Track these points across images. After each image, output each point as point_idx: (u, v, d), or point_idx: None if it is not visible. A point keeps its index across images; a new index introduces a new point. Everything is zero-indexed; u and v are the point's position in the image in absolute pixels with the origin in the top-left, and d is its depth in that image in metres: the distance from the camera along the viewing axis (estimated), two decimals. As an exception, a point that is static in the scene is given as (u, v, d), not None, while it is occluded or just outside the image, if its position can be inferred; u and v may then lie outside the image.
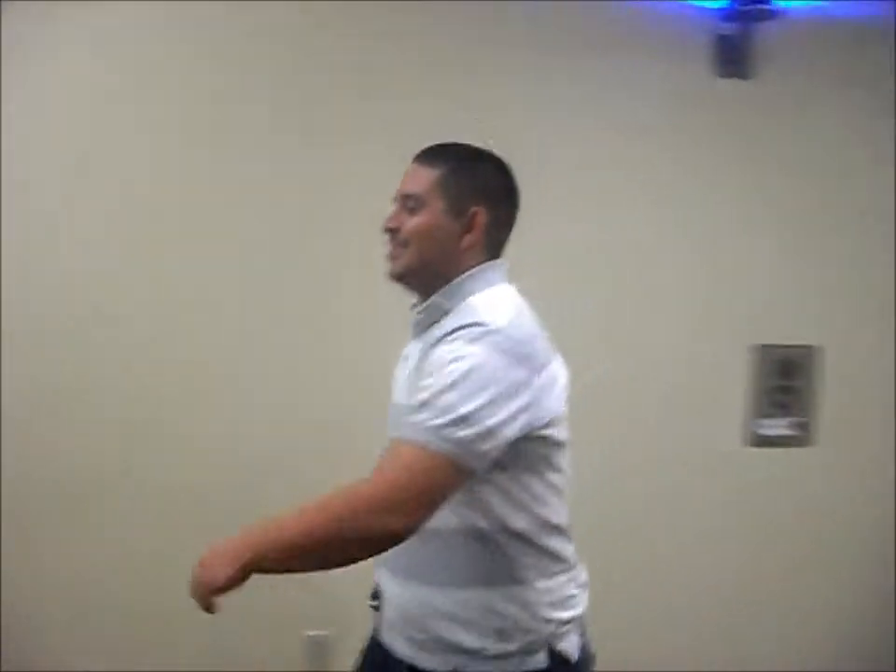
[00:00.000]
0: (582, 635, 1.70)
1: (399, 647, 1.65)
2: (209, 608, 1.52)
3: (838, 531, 3.14)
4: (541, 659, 1.60)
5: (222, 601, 1.51)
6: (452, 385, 1.47)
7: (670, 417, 3.09)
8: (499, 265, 1.69)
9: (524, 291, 1.67)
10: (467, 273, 1.64)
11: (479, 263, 1.65)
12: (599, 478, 2.88)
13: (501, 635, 1.58)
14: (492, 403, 1.47)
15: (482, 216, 1.64)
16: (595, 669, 1.76)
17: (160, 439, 2.86)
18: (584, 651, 1.69)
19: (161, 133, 2.84)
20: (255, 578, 1.47)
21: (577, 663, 1.65)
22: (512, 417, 1.49)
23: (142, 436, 2.86)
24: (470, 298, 1.61)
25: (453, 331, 1.54)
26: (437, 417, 1.46)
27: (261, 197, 2.87)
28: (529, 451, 1.57)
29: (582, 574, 1.73)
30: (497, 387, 1.48)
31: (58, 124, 2.80)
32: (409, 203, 1.65)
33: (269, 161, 2.86)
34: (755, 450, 3.15)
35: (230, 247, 2.87)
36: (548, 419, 1.57)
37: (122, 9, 2.77)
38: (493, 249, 1.69)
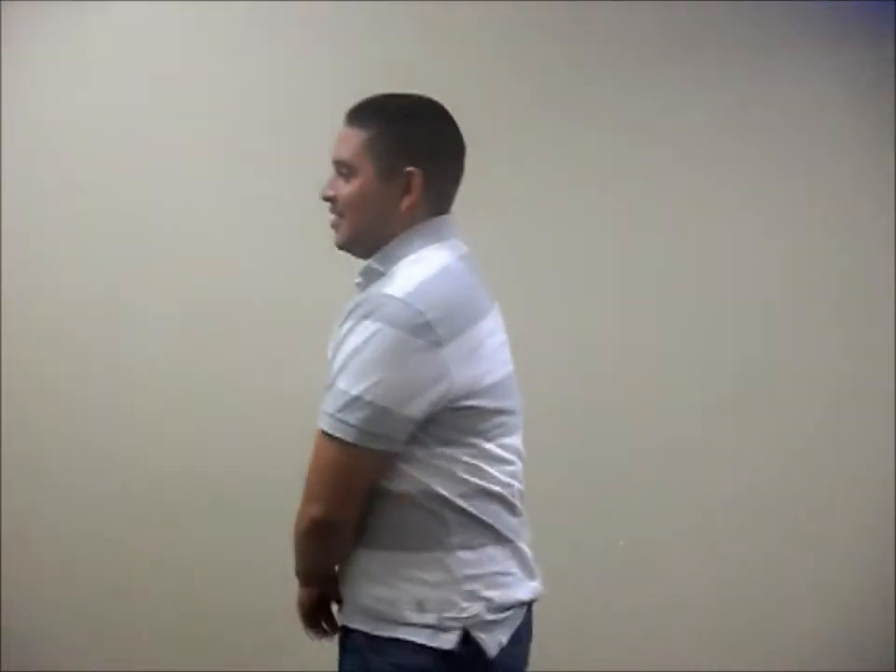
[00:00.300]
0: (517, 640, 1.57)
1: (342, 607, 1.63)
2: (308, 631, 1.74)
3: None
4: (451, 639, 1.49)
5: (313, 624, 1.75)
6: (344, 367, 1.44)
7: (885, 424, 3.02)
8: (436, 223, 1.60)
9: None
10: (401, 236, 1.57)
11: (421, 223, 1.58)
12: (804, 486, 2.92)
13: (419, 605, 1.49)
14: (384, 381, 1.42)
15: (417, 175, 1.55)
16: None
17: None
18: (510, 658, 1.56)
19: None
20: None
21: (492, 662, 1.51)
22: (414, 393, 1.43)
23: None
24: (401, 261, 1.54)
25: (356, 305, 1.48)
26: (333, 403, 1.44)
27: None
28: (451, 424, 1.49)
29: (527, 554, 1.61)
30: (390, 364, 1.42)
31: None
32: (342, 169, 1.59)
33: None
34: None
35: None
36: (469, 388, 1.48)
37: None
38: (436, 206, 1.60)
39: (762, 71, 2.96)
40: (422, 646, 1.48)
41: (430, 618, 1.49)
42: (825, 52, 2.96)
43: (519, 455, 1.62)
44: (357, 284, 1.62)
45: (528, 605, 1.61)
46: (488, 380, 1.51)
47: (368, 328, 1.43)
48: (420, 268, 1.51)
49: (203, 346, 2.87)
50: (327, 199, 1.61)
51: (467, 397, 1.48)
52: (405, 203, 1.56)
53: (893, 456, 3.05)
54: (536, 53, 2.92)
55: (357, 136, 1.57)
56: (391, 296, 1.44)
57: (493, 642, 1.51)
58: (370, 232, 1.59)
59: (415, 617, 1.49)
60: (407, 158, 1.55)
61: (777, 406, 3.03)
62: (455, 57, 2.90)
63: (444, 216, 1.62)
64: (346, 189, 1.58)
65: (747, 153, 2.98)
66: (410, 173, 1.55)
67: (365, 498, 1.50)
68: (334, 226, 1.62)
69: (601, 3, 2.90)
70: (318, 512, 1.48)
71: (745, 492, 3.04)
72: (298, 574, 1.65)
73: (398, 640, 1.49)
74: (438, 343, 1.43)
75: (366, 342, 1.42)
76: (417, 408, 1.44)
